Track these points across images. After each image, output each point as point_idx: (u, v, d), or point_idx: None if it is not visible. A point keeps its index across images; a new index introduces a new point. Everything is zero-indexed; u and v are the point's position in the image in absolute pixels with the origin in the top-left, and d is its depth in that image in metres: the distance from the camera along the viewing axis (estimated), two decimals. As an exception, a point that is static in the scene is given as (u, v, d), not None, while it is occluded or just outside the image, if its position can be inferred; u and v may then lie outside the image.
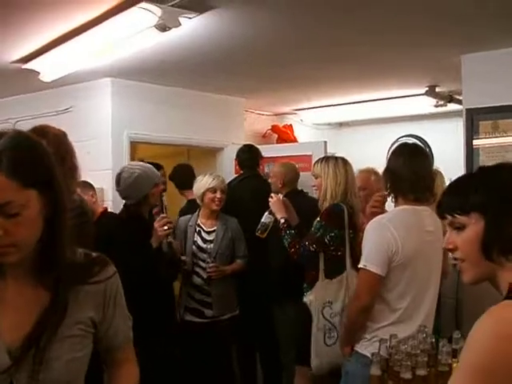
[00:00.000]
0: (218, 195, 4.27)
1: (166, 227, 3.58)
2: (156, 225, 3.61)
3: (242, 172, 5.24)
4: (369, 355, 2.75)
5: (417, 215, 2.93)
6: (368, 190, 4.11)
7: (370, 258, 2.83)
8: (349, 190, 3.72)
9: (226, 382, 4.32)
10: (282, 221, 3.85)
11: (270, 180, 4.83)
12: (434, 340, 2.21)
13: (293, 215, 3.95)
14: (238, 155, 5.26)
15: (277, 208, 3.93)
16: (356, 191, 3.81)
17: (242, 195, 4.84)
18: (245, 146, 5.36)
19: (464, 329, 3.88)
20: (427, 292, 2.93)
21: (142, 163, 4.14)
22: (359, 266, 2.88)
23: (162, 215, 3.63)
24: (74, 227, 1.55)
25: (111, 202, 5.20)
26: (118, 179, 3.89)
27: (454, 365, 2.07)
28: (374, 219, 2.97)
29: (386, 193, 3.17)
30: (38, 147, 1.48)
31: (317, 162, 3.94)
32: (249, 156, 5.18)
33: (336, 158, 3.87)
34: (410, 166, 2.93)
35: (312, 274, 3.67)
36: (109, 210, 5.06)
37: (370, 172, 4.33)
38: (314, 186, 3.98)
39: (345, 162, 3.84)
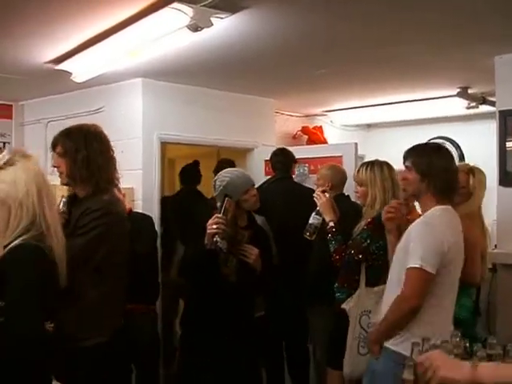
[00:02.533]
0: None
1: (214, 226, 3.54)
2: (208, 222, 3.57)
3: (274, 174, 5.22)
4: (403, 352, 2.73)
5: (454, 216, 2.96)
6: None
7: (427, 258, 2.79)
8: (396, 197, 3.65)
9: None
10: (331, 224, 3.78)
11: (316, 183, 4.68)
12: (468, 344, 2.17)
13: (337, 218, 3.86)
14: (271, 158, 5.25)
15: (325, 209, 3.83)
16: (401, 196, 3.71)
17: (274, 197, 4.83)
18: (278, 149, 5.35)
19: (496, 333, 3.86)
20: (455, 293, 2.97)
21: (238, 169, 4.17)
22: (411, 265, 2.81)
23: (216, 214, 3.59)
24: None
25: (141, 201, 5.24)
26: (214, 186, 3.90)
27: (489, 370, 2.04)
28: (425, 219, 2.93)
29: (403, 200, 3.23)
30: None
31: (360, 168, 3.87)
32: (282, 159, 5.16)
33: (381, 164, 3.80)
34: (445, 165, 2.95)
35: (352, 279, 3.65)
36: (139, 209, 5.12)
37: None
38: (357, 192, 3.92)
39: (389, 167, 3.79)
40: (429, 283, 2.81)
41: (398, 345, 2.86)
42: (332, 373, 3.89)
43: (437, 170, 2.92)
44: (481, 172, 4.05)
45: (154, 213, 5.26)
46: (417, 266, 2.79)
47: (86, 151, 3.06)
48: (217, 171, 5.08)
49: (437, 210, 2.93)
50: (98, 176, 3.06)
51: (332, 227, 3.75)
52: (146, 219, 4.80)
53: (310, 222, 3.90)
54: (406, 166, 3.03)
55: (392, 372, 2.81)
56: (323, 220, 3.84)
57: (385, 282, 3.15)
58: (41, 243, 2.22)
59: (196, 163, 6.27)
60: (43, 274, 2.19)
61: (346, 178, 4.73)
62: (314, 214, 3.90)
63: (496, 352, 2.09)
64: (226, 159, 5.90)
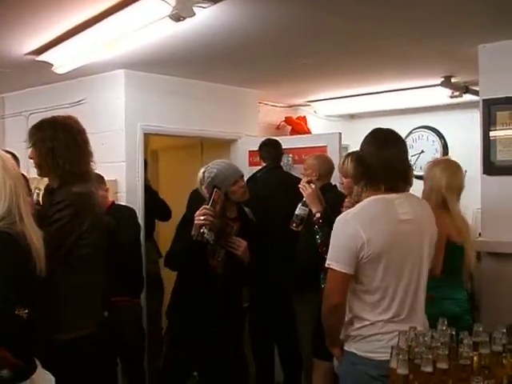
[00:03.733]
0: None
1: (202, 217, 3.52)
2: (195, 213, 3.56)
3: (265, 165, 5.20)
4: (356, 352, 2.76)
5: (387, 205, 2.80)
6: None
7: (334, 257, 2.75)
8: None
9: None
10: (318, 215, 3.72)
11: (303, 173, 4.66)
12: (454, 332, 2.18)
13: (323, 208, 3.81)
14: (260, 148, 5.23)
15: (312, 200, 3.79)
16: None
17: (267, 187, 4.84)
18: (267, 139, 5.37)
19: (481, 320, 3.88)
20: (411, 286, 2.79)
21: (226, 161, 4.16)
22: (326, 264, 2.79)
23: (204, 206, 3.57)
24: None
25: (125, 193, 5.21)
26: (202, 177, 3.88)
27: (475, 358, 2.05)
28: (341, 215, 2.88)
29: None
30: None
31: (346, 159, 3.89)
32: (272, 149, 5.17)
33: None
34: (380, 154, 2.83)
35: None
36: (123, 201, 5.09)
37: None
38: (342, 183, 3.93)
39: None
40: (342, 280, 2.74)
41: (350, 346, 2.83)
42: (319, 364, 3.89)
43: (366, 156, 2.88)
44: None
45: (138, 205, 5.23)
46: (326, 265, 2.78)
47: (52, 143, 3.05)
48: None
49: (361, 203, 2.87)
50: (64, 168, 3.04)
51: (318, 218, 3.72)
52: (128, 211, 4.78)
53: (296, 212, 3.88)
54: None
55: (349, 372, 2.84)
56: (310, 211, 3.83)
57: None
58: (12, 231, 2.26)
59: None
60: (15, 259, 2.22)
61: (333, 168, 4.73)
62: (300, 204, 3.88)
63: (482, 339, 2.10)
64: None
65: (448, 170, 3.78)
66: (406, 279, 2.76)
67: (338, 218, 2.85)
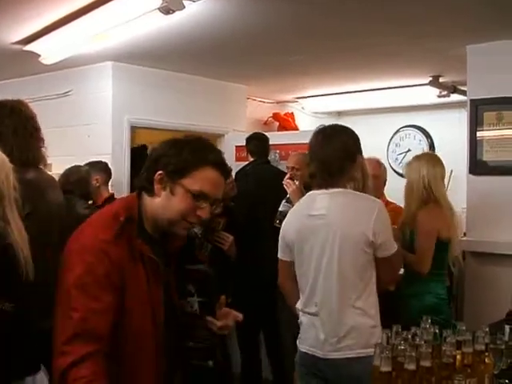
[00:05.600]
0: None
1: None
2: None
3: (253, 159, 5.17)
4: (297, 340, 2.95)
5: (308, 200, 2.94)
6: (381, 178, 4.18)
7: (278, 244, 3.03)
8: (366, 187, 3.68)
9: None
10: None
11: (296, 172, 4.48)
12: (437, 331, 2.18)
13: None
14: (248, 142, 5.19)
15: (296, 196, 3.81)
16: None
17: (259, 181, 4.84)
18: (255, 133, 5.32)
19: (464, 319, 3.90)
20: (319, 277, 2.81)
21: None
22: None
23: None
24: None
25: (110, 186, 5.18)
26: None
27: (458, 356, 2.05)
28: None
29: None
30: None
31: None
32: (260, 143, 5.14)
33: None
34: (311, 151, 2.95)
35: None
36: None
37: (379, 161, 4.30)
38: None
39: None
40: (282, 266, 3.02)
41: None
42: None
43: (309, 154, 3.00)
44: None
45: (124, 198, 5.20)
46: None
47: None
48: None
49: None
50: (13, 155, 2.70)
51: None
52: None
53: (279, 209, 3.91)
54: None
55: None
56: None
57: None
58: None
59: (143, 147, 6.11)
60: None
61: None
62: (284, 201, 3.92)
63: (466, 338, 2.10)
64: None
65: (429, 162, 3.77)
66: (312, 271, 2.83)
67: None
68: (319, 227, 2.81)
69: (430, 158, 3.90)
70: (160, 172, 1.91)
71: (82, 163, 4.67)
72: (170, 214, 1.92)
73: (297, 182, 3.92)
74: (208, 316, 2.08)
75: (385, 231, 2.80)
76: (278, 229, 3.96)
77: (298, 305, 2.93)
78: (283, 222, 3.05)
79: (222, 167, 1.95)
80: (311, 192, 2.94)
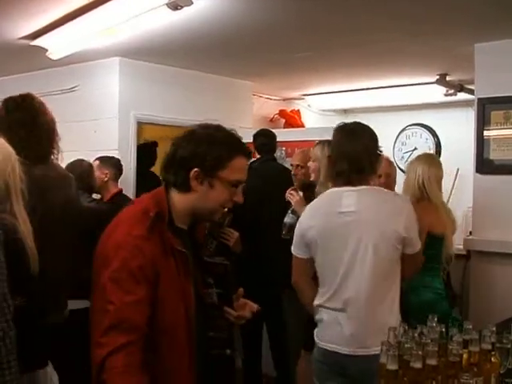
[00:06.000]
0: None
1: None
2: None
3: (260, 156, 5.15)
4: (315, 337, 2.94)
5: (333, 197, 2.91)
6: (391, 176, 4.20)
7: (294, 241, 3.02)
8: None
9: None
10: None
11: (301, 170, 4.54)
12: (443, 329, 2.18)
13: None
14: (255, 139, 5.18)
15: (300, 207, 3.86)
16: None
17: (265, 178, 4.83)
18: (263, 130, 5.30)
19: (469, 318, 3.89)
20: (349, 274, 2.81)
21: None
22: None
23: None
24: None
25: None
26: None
27: (465, 355, 2.05)
28: None
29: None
30: None
31: (316, 145, 4.05)
32: (267, 140, 5.12)
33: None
34: (337, 148, 2.96)
35: None
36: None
37: (389, 159, 4.32)
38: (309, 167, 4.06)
39: None
40: (297, 263, 2.99)
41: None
42: (306, 354, 3.89)
43: (331, 152, 3.03)
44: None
45: (130, 195, 5.20)
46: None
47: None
48: None
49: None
50: (20, 148, 2.62)
51: None
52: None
53: (284, 221, 4.01)
54: None
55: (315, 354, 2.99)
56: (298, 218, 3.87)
57: None
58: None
59: (154, 144, 6.03)
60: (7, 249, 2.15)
61: None
62: (289, 212, 4.01)
63: (472, 337, 2.10)
64: None
65: (425, 163, 3.93)
66: (342, 268, 2.82)
67: None
68: (349, 224, 2.82)
69: (428, 158, 4.07)
70: (196, 169, 2.00)
71: (91, 159, 4.67)
72: (212, 204, 2.06)
73: (301, 193, 4.00)
74: (226, 307, 2.16)
75: (414, 228, 2.90)
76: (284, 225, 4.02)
77: (318, 301, 2.91)
78: (301, 219, 3.02)
79: (248, 153, 2.15)
80: (334, 189, 2.93)
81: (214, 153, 2.02)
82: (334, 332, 2.81)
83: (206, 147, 2.02)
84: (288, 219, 3.98)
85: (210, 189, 2.03)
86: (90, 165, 4.53)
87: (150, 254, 1.88)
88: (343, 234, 2.83)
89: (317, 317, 2.93)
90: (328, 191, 3.01)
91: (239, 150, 2.08)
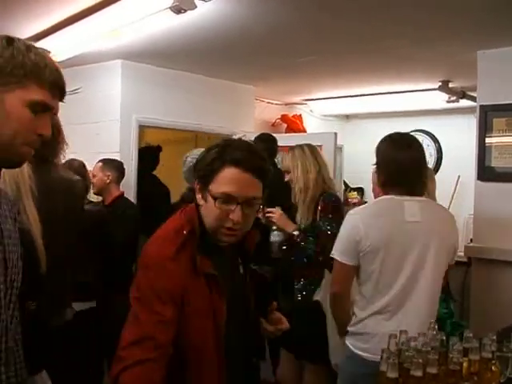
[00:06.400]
0: None
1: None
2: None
3: None
4: (350, 347, 2.84)
5: (394, 204, 2.85)
6: None
7: (336, 247, 2.87)
8: (323, 177, 3.84)
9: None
10: (296, 233, 3.80)
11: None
12: (444, 338, 2.17)
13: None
14: (255, 142, 5.17)
15: (284, 222, 3.89)
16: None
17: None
18: (263, 134, 5.28)
19: (470, 325, 3.88)
20: (408, 286, 2.80)
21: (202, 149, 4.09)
22: (330, 255, 2.92)
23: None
24: None
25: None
26: (184, 161, 3.98)
27: (465, 364, 2.04)
28: (349, 211, 2.99)
29: None
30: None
31: (283, 156, 4.06)
32: (269, 145, 5.10)
33: (301, 146, 3.92)
34: (392, 155, 2.88)
35: (316, 270, 3.73)
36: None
37: None
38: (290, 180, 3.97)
39: (311, 147, 3.91)
40: (342, 270, 2.86)
41: (347, 338, 2.90)
42: (316, 368, 3.86)
43: (384, 160, 2.91)
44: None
45: (131, 198, 5.19)
46: (331, 255, 2.89)
47: None
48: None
49: (371, 201, 3.03)
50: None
51: (298, 235, 3.79)
52: (132, 209, 4.71)
53: (272, 240, 3.98)
54: None
55: (344, 366, 2.94)
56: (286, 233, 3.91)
57: None
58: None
59: (158, 148, 5.98)
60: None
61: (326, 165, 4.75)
62: (274, 232, 3.97)
63: (472, 345, 2.09)
64: None
65: None
66: (403, 278, 2.78)
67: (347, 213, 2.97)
68: (416, 234, 2.82)
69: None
70: (196, 181, 1.95)
71: (92, 161, 4.67)
72: (210, 221, 1.91)
73: (279, 209, 3.93)
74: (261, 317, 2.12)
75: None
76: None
77: (366, 312, 2.82)
78: (354, 225, 2.83)
79: (243, 163, 1.86)
80: (392, 197, 2.85)
81: (204, 163, 1.92)
82: (381, 342, 2.57)
83: (201, 158, 1.96)
84: (275, 237, 3.94)
85: (206, 203, 1.92)
86: (83, 165, 4.52)
87: (177, 276, 1.84)
88: (407, 244, 2.81)
89: (359, 328, 2.83)
90: (384, 198, 2.90)
91: (228, 160, 1.87)
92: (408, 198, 2.86)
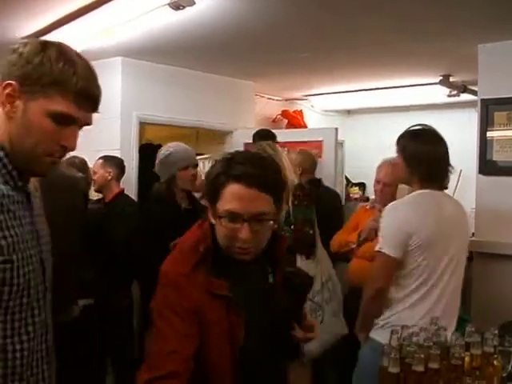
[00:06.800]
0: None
1: None
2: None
3: None
4: (381, 341, 2.72)
5: (436, 199, 2.89)
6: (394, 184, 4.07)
7: (386, 241, 2.81)
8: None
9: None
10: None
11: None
12: (446, 332, 2.16)
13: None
14: (254, 138, 5.16)
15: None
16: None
17: None
18: (262, 130, 5.27)
19: (472, 319, 3.87)
20: (445, 281, 2.84)
21: (183, 144, 4.03)
22: (375, 249, 2.84)
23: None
24: None
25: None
26: (158, 154, 3.88)
27: (467, 358, 2.04)
28: (391, 204, 2.95)
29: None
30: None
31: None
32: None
33: (261, 145, 3.93)
34: (428, 150, 2.88)
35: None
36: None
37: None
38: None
39: (273, 147, 3.89)
40: (390, 265, 2.80)
41: (378, 334, 2.85)
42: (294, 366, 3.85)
43: (420, 155, 2.88)
44: None
45: (132, 195, 5.19)
46: (377, 249, 2.82)
47: None
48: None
49: (411, 195, 2.93)
50: None
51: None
52: (132, 207, 4.70)
53: None
54: (397, 152, 3.03)
55: (372, 359, 2.82)
56: None
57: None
58: None
59: (159, 147, 6.00)
60: None
61: (316, 162, 4.74)
62: None
63: (474, 340, 2.08)
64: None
65: None
66: (443, 272, 2.83)
67: (388, 206, 2.94)
68: (452, 229, 2.87)
69: None
70: (206, 198, 1.90)
71: (93, 158, 4.66)
72: (221, 241, 1.83)
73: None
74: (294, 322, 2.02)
75: None
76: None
77: (399, 303, 2.82)
78: (405, 220, 2.80)
79: (245, 178, 1.74)
80: (430, 191, 2.86)
81: (210, 181, 1.82)
82: None
83: (208, 175, 1.87)
84: None
85: (215, 221, 1.82)
86: (84, 162, 4.52)
87: (192, 293, 1.79)
88: (448, 239, 2.85)
89: (392, 320, 2.80)
90: (423, 192, 2.88)
91: (231, 176, 1.76)
92: (441, 193, 2.91)
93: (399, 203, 2.95)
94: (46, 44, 1.51)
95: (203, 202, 3.77)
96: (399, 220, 2.82)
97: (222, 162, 1.82)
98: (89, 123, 1.63)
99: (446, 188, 2.97)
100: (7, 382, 1.48)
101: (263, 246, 1.86)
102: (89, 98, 1.57)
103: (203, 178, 3.81)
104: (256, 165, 1.79)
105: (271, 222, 1.81)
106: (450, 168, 2.96)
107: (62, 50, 1.53)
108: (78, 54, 1.58)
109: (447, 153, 2.95)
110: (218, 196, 1.78)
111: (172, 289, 1.81)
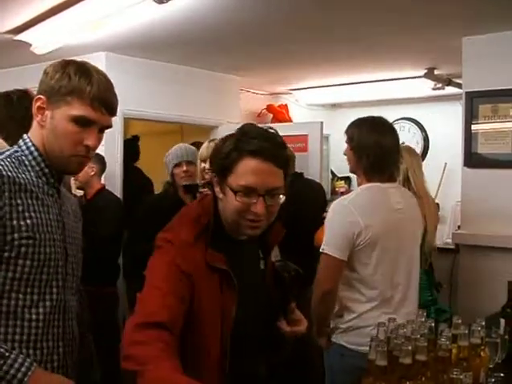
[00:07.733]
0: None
1: None
2: None
3: None
4: (345, 345, 2.76)
5: (382, 193, 2.80)
6: None
7: (330, 241, 2.72)
8: None
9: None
10: None
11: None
12: (433, 324, 2.16)
13: None
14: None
15: None
16: None
17: None
18: (246, 124, 5.24)
19: (458, 311, 3.89)
20: (403, 274, 2.81)
21: (182, 144, 4.33)
22: (320, 250, 2.75)
23: None
24: None
25: (103, 178, 5.13)
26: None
27: (454, 350, 2.04)
28: (336, 201, 2.85)
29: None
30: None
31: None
32: None
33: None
34: (375, 140, 2.79)
35: None
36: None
37: None
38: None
39: None
40: (335, 266, 2.72)
41: (341, 338, 2.81)
42: None
43: (366, 144, 2.81)
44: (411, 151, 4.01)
45: (117, 190, 5.17)
46: (321, 250, 2.74)
47: None
48: None
49: (358, 189, 2.86)
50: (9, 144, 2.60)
51: None
52: (115, 202, 4.68)
53: None
54: (346, 142, 2.96)
55: (339, 365, 2.82)
56: None
57: None
58: None
59: (135, 138, 6.04)
60: None
61: (294, 157, 4.74)
62: None
63: (461, 332, 2.08)
64: None
65: (406, 155, 3.75)
66: (400, 268, 2.78)
67: (334, 203, 2.84)
68: (403, 223, 2.79)
69: (406, 149, 3.89)
70: (213, 174, 1.88)
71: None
72: (230, 215, 1.84)
73: None
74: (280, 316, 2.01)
75: None
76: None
77: (363, 307, 2.76)
78: (348, 218, 2.71)
79: (262, 152, 1.78)
80: (376, 184, 2.78)
81: (222, 156, 1.83)
82: None
83: (218, 149, 1.87)
84: None
85: (224, 196, 1.84)
86: None
87: (191, 262, 1.78)
88: (400, 232, 2.78)
89: (356, 323, 2.76)
90: (370, 186, 2.81)
91: (246, 150, 1.79)
92: (389, 184, 2.82)
93: (346, 199, 2.82)
94: (68, 62, 1.85)
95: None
96: (345, 219, 2.73)
97: (233, 138, 1.85)
98: (109, 126, 1.93)
99: (395, 180, 2.90)
100: (22, 348, 1.73)
101: (272, 220, 1.90)
102: (103, 102, 1.84)
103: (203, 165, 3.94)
104: (270, 140, 1.83)
105: (281, 196, 1.84)
106: (401, 159, 2.92)
107: (80, 66, 1.84)
108: (95, 69, 1.87)
109: (397, 144, 2.87)
110: (231, 171, 1.80)
111: (173, 249, 1.79)
